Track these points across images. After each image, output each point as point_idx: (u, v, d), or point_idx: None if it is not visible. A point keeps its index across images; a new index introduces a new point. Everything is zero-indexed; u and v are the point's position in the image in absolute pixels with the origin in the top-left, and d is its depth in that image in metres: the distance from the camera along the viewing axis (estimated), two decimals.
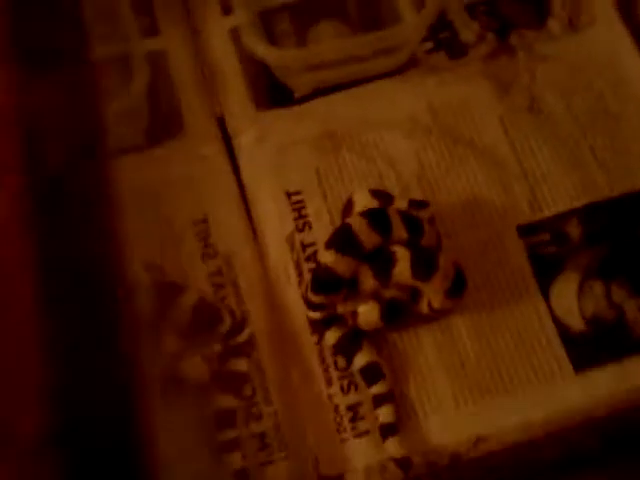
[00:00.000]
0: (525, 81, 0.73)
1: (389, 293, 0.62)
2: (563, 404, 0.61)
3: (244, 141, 0.72)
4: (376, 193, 0.66)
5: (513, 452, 0.60)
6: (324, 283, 0.60)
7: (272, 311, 0.65)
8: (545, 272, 0.66)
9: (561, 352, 0.63)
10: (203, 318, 0.63)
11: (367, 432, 0.61)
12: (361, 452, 0.61)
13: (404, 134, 0.71)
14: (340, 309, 0.62)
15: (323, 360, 0.64)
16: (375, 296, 0.62)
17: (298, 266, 0.66)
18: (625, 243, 0.66)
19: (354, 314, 0.62)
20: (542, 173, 0.69)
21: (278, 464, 0.60)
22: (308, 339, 0.64)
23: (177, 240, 0.67)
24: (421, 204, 0.65)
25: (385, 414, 0.60)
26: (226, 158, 0.71)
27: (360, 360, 0.62)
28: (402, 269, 0.60)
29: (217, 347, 0.62)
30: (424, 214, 0.64)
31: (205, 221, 0.68)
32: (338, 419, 0.62)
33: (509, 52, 0.74)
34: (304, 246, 0.67)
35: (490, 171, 0.69)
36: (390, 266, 0.60)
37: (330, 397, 0.63)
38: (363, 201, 0.65)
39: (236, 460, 0.60)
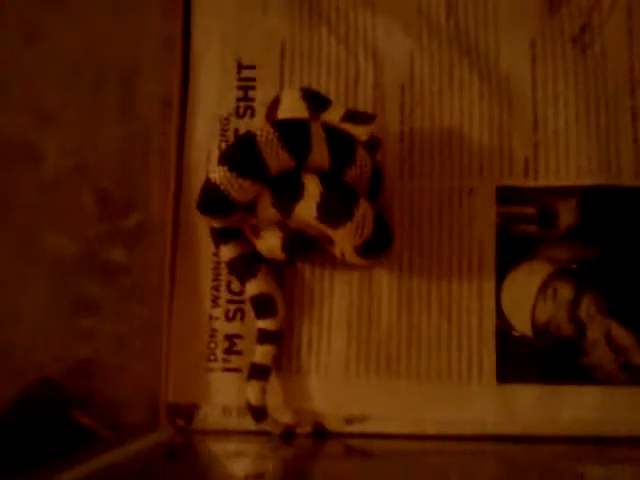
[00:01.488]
0: (585, 1, 0.54)
1: (295, 224, 0.49)
2: (471, 411, 0.51)
3: None
4: (308, 95, 0.51)
5: (391, 447, 0.51)
6: (211, 205, 0.48)
7: (177, 197, 0.55)
8: (510, 253, 0.52)
9: (490, 354, 0.51)
10: None
11: (238, 370, 0.53)
12: (225, 389, 0.52)
13: (404, 26, 0.55)
14: (242, 225, 0.51)
15: (217, 276, 0.54)
16: (280, 224, 0.50)
17: None
18: (624, 251, 0.51)
19: (254, 233, 0.51)
20: (557, 129, 0.53)
21: (128, 371, 0.52)
22: (207, 245, 0.54)
23: None
24: (363, 118, 0.49)
25: (262, 354, 0.51)
26: None
27: (252, 288, 0.52)
28: (307, 206, 0.47)
29: (98, 227, 0.53)
30: (363, 133, 0.49)
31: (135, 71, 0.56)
32: (212, 345, 0.53)
33: None
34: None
35: (493, 105, 0.54)
36: (294, 200, 0.47)
37: (211, 319, 0.54)
38: (289, 103, 0.50)
39: (84, 349, 0.52)
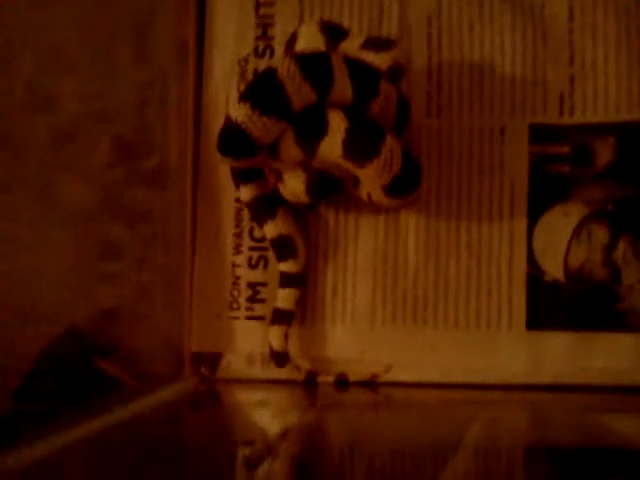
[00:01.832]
0: None
1: (320, 164, 0.47)
2: (499, 359, 0.50)
3: None
4: (326, 27, 0.49)
5: (417, 396, 0.50)
6: (232, 146, 0.46)
7: (197, 142, 0.53)
8: (543, 195, 0.50)
9: (520, 299, 0.49)
10: None
11: (262, 318, 0.52)
12: (249, 337, 0.52)
13: None
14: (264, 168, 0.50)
15: (239, 222, 0.53)
16: (304, 165, 0.48)
17: None
18: None
19: (277, 176, 0.49)
20: (595, 61, 0.50)
21: (150, 321, 0.52)
22: (228, 192, 0.53)
23: None
24: (384, 44, 0.47)
25: (284, 297, 0.50)
26: None
27: (271, 230, 0.50)
28: (332, 143, 0.45)
29: (116, 174, 0.52)
30: (385, 61, 0.46)
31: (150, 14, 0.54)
32: (235, 293, 0.53)
33: None
34: None
35: (526, 37, 0.50)
36: (318, 136, 0.45)
37: (234, 266, 0.53)
38: (307, 37, 0.48)
39: (108, 298, 0.52)
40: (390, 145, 0.45)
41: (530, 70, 0.50)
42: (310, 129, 0.45)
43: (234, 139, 0.45)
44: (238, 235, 0.53)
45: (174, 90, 0.53)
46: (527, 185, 0.50)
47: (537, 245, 0.50)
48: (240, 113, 0.44)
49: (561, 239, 0.50)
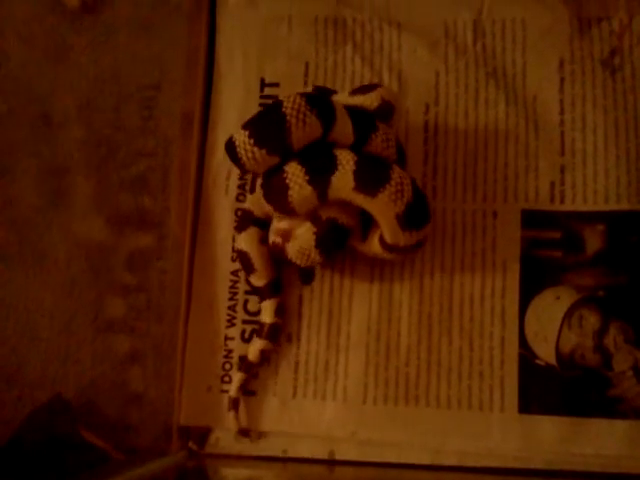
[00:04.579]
0: (616, 24, 0.53)
1: (328, 213, 0.48)
2: (490, 441, 0.49)
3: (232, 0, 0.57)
4: (319, 88, 0.52)
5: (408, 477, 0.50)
6: (230, 157, 0.48)
7: (196, 213, 0.54)
8: (534, 278, 0.51)
9: (512, 382, 0.49)
10: None
11: (253, 393, 0.52)
12: (241, 413, 0.51)
13: (429, 46, 0.54)
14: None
15: (233, 295, 0.53)
16: (312, 218, 0.48)
17: (243, 179, 0.54)
18: None
19: (285, 237, 0.49)
20: (584, 152, 0.52)
21: (139, 391, 0.51)
22: (224, 264, 0.53)
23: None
24: (368, 87, 0.49)
25: (262, 310, 0.52)
26: (205, 14, 0.56)
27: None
28: (343, 177, 0.46)
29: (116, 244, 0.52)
30: (374, 100, 0.48)
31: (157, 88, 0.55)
32: (227, 366, 0.52)
33: None
34: None
35: (519, 127, 0.52)
36: (329, 172, 0.46)
37: (226, 339, 0.52)
38: None
39: (97, 366, 0.51)
40: (399, 173, 0.46)
41: (522, 158, 0.52)
42: (321, 166, 0.47)
43: (229, 152, 0.48)
44: (232, 308, 0.53)
45: (177, 162, 0.54)
46: (519, 268, 0.51)
47: (529, 328, 0.50)
48: (238, 138, 0.47)
49: (552, 323, 0.50)
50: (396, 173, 0.46)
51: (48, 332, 0.52)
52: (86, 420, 0.49)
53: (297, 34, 0.56)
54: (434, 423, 0.50)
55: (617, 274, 0.50)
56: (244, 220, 0.52)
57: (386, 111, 0.49)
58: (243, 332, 0.53)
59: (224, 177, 0.55)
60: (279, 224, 0.50)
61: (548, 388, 0.49)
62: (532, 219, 0.51)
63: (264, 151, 0.46)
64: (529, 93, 0.53)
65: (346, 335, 0.52)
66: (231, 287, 0.53)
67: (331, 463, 0.50)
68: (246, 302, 0.53)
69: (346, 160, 0.46)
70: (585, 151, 0.52)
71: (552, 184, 0.52)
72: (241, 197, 0.54)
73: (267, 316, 0.51)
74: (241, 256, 0.52)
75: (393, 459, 0.50)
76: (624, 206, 0.51)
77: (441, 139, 0.53)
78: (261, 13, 0.56)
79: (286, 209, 0.48)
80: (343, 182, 0.46)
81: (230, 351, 0.52)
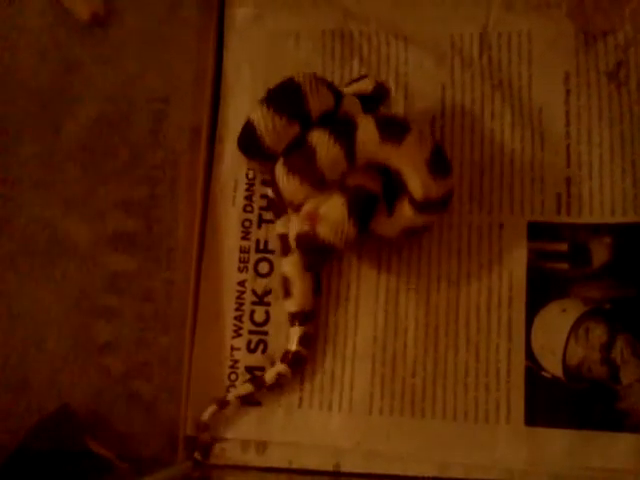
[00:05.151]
0: (621, 37, 0.53)
1: (354, 181, 0.48)
2: (497, 454, 0.49)
3: (240, 14, 0.57)
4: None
5: None
6: (245, 144, 0.49)
7: (203, 224, 0.54)
8: (541, 291, 0.51)
9: (518, 394, 0.49)
10: None
11: (259, 403, 0.52)
12: (245, 422, 0.51)
13: (436, 59, 0.55)
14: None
15: (240, 305, 0.53)
16: (340, 187, 0.48)
17: (250, 190, 0.55)
18: None
19: (313, 218, 0.48)
20: (590, 164, 0.52)
21: (145, 402, 0.51)
22: (231, 275, 0.54)
23: None
24: (360, 77, 0.53)
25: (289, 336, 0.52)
26: (214, 28, 0.57)
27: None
28: (367, 131, 0.47)
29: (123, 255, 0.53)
30: (369, 85, 0.51)
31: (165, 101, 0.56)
32: (233, 377, 0.52)
33: None
34: None
35: (525, 139, 0.53)
36: (352, 129, 0.47)
37: (232, 349, 0.53)
38: None
39: (103, 376, 0.51)
40: (414, 125, 0.48)
41: (528, 170, 0.52)
42: (343, 128, 0.48)
43: (246, 137, 0.49)
44: (239, 318, 0.53)
45: (184, 172, 0.54)
46: (525, 280, 0.51)
47: (535, 341, 0.50)
48: (256, 113, 0.48)
49: (559, 336, 0.50)
50: (412, 124, 0.48)
51: (55, 342, 0.52)
52: (92, 430, 0.50)
53: (304, 48, 0.56)
54: (440, 435, 0.50)
55: (624, 286, 0.50)
56: (287, 244, 0.52)
57: (381, 93, 0.52)
58: (249, 342, 0.53)
59: (231, 188, 0.55)
60: (303, 209, 0.49)
61: (555, 401, 0.49)
62: (538, 231, 0.51)
63: (284, 119, 0.47)
64: (535, 105, 0.53)
65: (352, 346, 0.52)
66: (238, 297, 0.53)
67: (337, 475, 0.50)
68: (252, 312, 0.53)
69: (366, 118, 0.48)
70: (591, 163, 0.52)
71: (558, 196, 0.52)
72: (248, 208, 0.54)
73: (291, 343, 0.51)
74: (283, 279, 0.52)
75: (399, 471, 0.50)
76: (630, 218, 0.51)
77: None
78: (268, 27, 0.57)
79: (315, 176, 0.48)
80: (368, 136, 0.47)
81: (236, 361, 0.52)
